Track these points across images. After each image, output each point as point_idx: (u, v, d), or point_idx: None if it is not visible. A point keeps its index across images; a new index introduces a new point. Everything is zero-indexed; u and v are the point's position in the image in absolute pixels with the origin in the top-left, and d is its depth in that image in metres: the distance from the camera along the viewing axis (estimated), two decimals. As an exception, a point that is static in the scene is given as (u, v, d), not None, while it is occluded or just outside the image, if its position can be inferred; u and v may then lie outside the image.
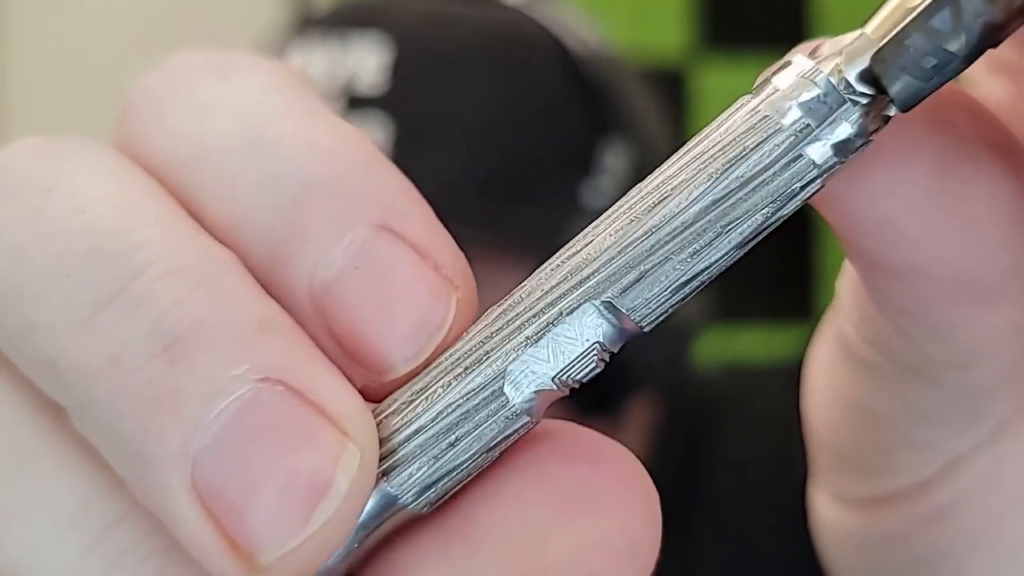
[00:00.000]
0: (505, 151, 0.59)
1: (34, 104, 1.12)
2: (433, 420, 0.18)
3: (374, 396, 0.18)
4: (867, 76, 0.18)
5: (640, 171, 0.61)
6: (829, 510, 0.25)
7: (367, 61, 0.58)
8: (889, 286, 0.20)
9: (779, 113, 0.18)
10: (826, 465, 0.25)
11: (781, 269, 1.06)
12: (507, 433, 0.18)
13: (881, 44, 0.18)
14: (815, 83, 0.18)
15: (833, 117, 0.18)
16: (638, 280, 0.18)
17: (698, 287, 0.18)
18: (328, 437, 0.17)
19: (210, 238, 0.18)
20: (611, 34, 0.73)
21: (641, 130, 0.63)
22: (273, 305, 0.18)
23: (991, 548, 0.23)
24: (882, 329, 0.21)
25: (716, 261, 0.18)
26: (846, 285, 0.22)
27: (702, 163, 0.18)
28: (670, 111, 0.95)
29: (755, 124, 0.18)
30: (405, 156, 0.56)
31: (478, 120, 0.59)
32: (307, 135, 0.19)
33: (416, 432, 0.18)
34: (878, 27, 0.18)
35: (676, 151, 0.18)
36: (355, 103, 0.58)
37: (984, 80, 0.22)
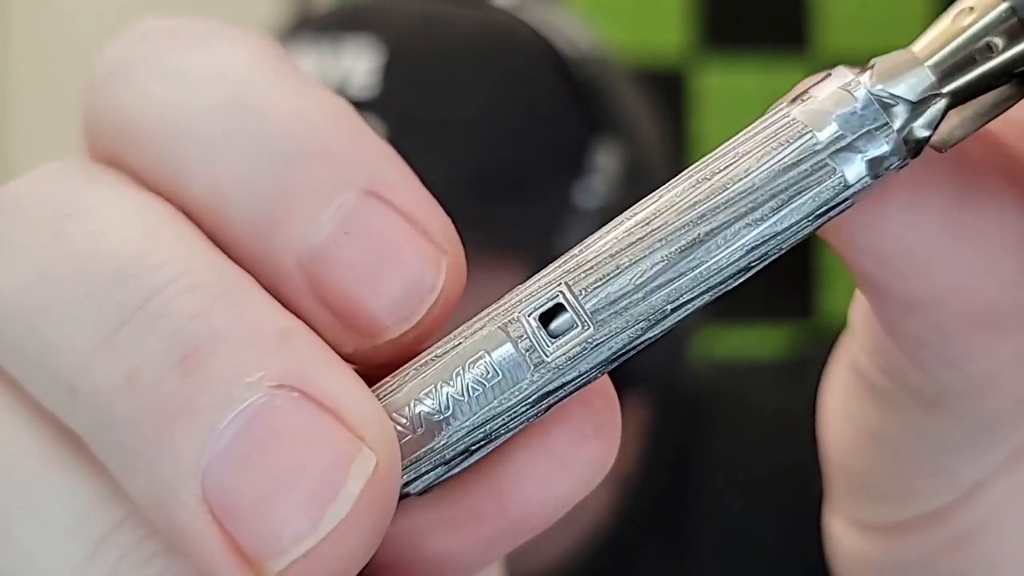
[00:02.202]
0: (497, 152, 0.59)
1: (34, 104, 1.12)
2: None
3: (364, 361, 0.18)
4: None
5: (632, 171, 0.61)
6: (846, 536, 0.25)
7: (359, 64, 0.58)
8: (903, 317, 0.20)
9: (816, 125, 0.17)
10: (843, 491, 0.25)
11: (781, 269, 1.06)
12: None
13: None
14: (854, 95, 0.18)
15: (869, 132, 0.17)
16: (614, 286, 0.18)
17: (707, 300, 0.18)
18: (341, 440, 0.17)
19: (230, 260, 0.18)
20: (611, 34, 0.73)
21: (634, 130, 0.63)
22: (293, 318, 0.18)
23: (1012, 575, 0.23)
24: (896, 359, 0.21)
25: (732, 274, 0.18)
26: (859, 314, 0.22)
27: (720, 165, 0.18)
28: (670, 111, 0.95)
29: (788, 136, 0.18)
30: None
31: (470, 121, 0.59)
32: (290, 103, 0.19)
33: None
34: (927, 45, 0.18)
35: (693, 163, 0.18)
36: None
37: None
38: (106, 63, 0.20)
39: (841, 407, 0.24)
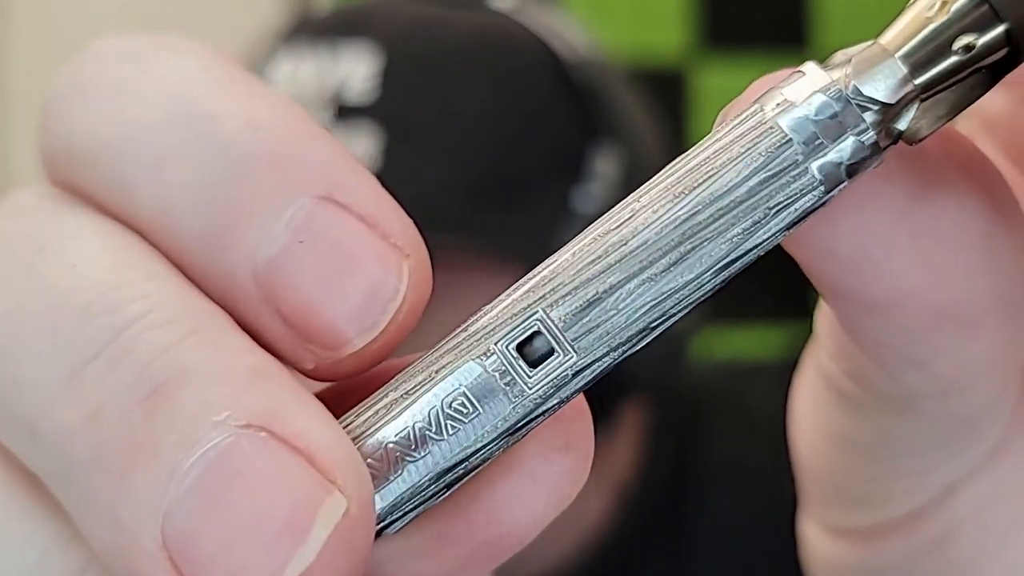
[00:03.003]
0: (495, 157, 0.59)
1: (34, 104, 1.12)
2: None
3: (328, 376, 0.18)
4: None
5: (631, 176, 0.60)
6: (820, 542, 0.25)
7: (357, 69, 0.58)
8: (864, 320, 0.19)
9: (795, 132, 0.17)
10: (816, 497, 0.25)
11: (780, 269, 1.06)
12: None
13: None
14: (826, 95, 0.17)
15: (844, 130, 0.17)
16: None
17: (686, 309, 0.17)
18: (310, 483, 0.16)
19: (203, 296, 0.18)
20: (610, 34, 0.72)
21: (632, 135, 0.62)
22: (266, 355, 0.17)
23: None
24: (860, 362, 0.20)
25: (708, 281, 0.17)
26: (822, 319, 0.22)
27: (698, 177, 0.17)
28: (670, 112, 0.95)
29: (759, 137, 0.17)
30: (395, 164, 0.56)
31: (468, 126, 0.59)
32: (239, 109, 0.18)
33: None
34: (894, 38, 0.17)
35: (668, 164, 0.18)
36: (344, 112, 0.58)
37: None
38: (58, 87, 0.19)
39: (810, 413, 0.23)
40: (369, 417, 0.17)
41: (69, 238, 0.18)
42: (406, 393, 0.17)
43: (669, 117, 0.73)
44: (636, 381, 0.61)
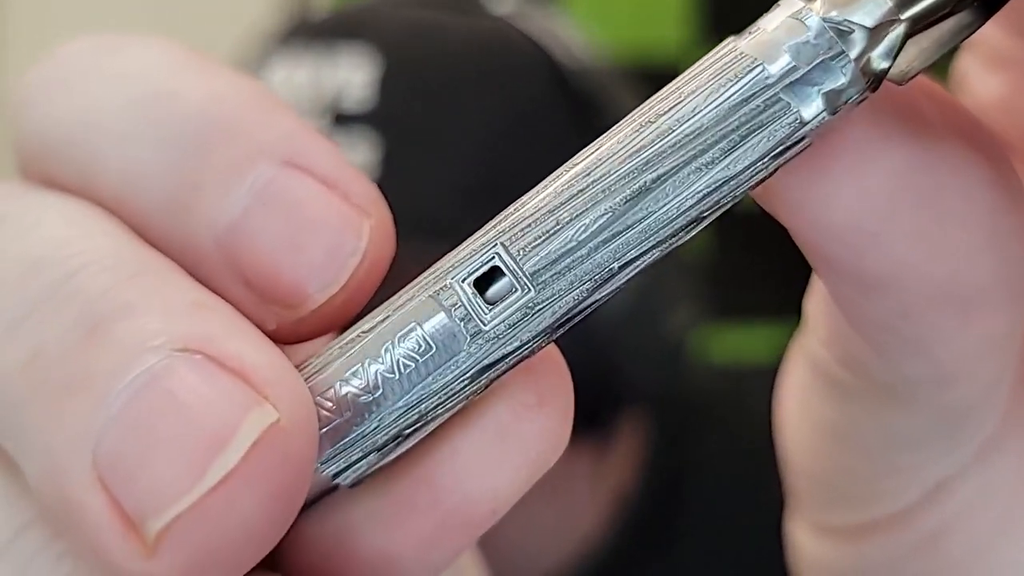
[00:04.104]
0: (494, 164, 0.58)
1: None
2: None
3: (290, 338, 0.18)
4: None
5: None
6: (808, 542, 0.24)
7: (354, 77, 0.58)
8: (861, 299, 0.18)
9: (766, 58, 0.16)
10: (804, 494, 0.24)
11: (781, 268, 1.06)
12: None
13: None
14: (805, 24, 0.16)
15: (817, 55, 0.16)
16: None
17: (645, 258, 0.17)
18: (238, 395, 0.16)
19: (153, 249, 0.18)
20: (609, 31, 0.72)
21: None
22: (209, 293, 0.17)
23: None
24: (855, 347, 0.20)
25: (682, 225, 0.16)
26: (814, 303, 0.21)
27: (665, 106, 0.16)
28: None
29: (737, 71, 0.16)
30: (393, 171, 0.56)
31: (467, 133, 0.59)
32: (201, 85, 0.18)
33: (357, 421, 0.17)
34: None
35: (646, 100, 0.17)
36: (342, 120, 0.57)
37: (979, 77, 0.20)
38: (26, 88, 0.20)
39: (799, 406, 0.23)
40: (323, 357, 0.17)
41: (29, 210, 0.18)
42: (362, 333, 0.17)
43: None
44: (634, 391, 0.61)
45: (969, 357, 0.19)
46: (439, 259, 0.17)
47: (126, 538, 0.15)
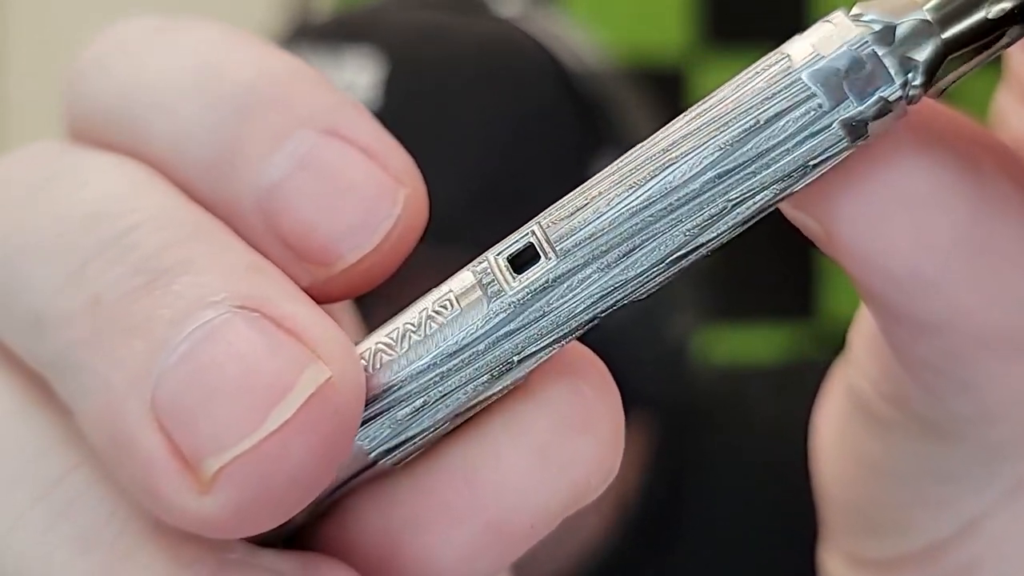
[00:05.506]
0: (499, 166, 0.58)
1: (34, 103, 1.12)
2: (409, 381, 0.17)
3: (319, 297, 0.18)
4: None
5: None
6: (840, 572, 0.24)
7: (359, 79, 0.57)
8: (914, 341, 0.19)
9: (807, 75, 0.17)
10: (838, 525, 0.24)
11: (781, 268, 1.06)
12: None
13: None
14: (849, 44, 0.17)
15: (868, 82, 0.17)
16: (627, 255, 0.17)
17: (692, 261, 0.17)
18: (295, 352, 0.17)
19: (204, 210, 0.18)
20: (610, 33, 0.72)
21: (635, 143, 0.62)
22: (266, 260, 0.18)
23: None
24: (903, 385, 0.20)
25: (718, 236, 0.17)
26: (861, 339, 0.21)
27: (716, 128, 0.17)
28: (670, 111, 0.95)
29: (779, 86, 0.17)
30: None
31: (471, 136, 0.59)
32: (251, 58, 0.19)
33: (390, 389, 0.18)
34: None
35: (686, 111, 0.17)
36: None
37: (1016, 112, 0.21)
38: (82, 61, 0.20)
39: (837, 436, 0.23)
40: (376, 330, 0.18)
41: (80, 165, 0.19)
42: (410, 305, 0.18)
43: (670, 116, 0.73)
44: (637, 394, 0.61)
45: (1015, 397, 0.19)
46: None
47: (182, 475, 0.16)
